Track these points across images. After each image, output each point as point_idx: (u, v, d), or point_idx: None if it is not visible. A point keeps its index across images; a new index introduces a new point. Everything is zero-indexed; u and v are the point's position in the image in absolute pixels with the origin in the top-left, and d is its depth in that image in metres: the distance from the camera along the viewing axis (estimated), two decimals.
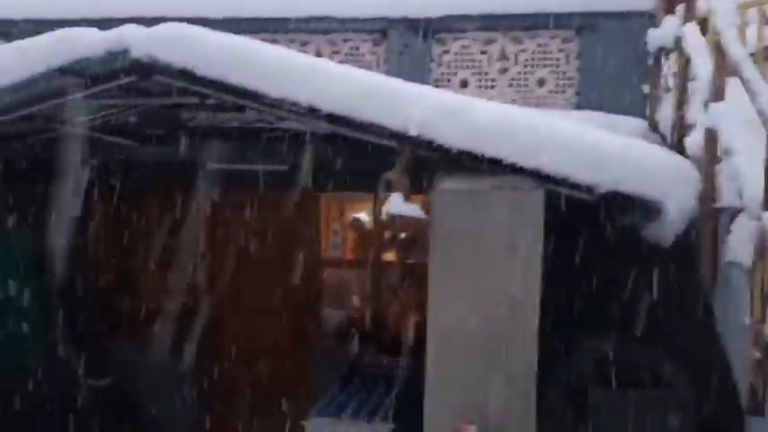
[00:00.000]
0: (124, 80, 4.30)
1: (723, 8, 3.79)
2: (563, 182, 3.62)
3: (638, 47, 5.23)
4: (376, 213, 6.72)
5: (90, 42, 3.94)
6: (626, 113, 5.10)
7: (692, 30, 4.31)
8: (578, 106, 5.43)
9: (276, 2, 5.77)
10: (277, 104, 3.85)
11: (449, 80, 5.60)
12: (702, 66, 3.85)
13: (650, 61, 5.20)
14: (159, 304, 7.15)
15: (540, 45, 5.54)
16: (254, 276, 7.05)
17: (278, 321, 6.78)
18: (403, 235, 6.17)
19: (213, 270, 7.21)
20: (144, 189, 6.45)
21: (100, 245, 6.96)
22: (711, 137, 3.51)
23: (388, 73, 5.34)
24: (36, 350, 5.96)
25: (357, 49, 5.71)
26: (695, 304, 4.08)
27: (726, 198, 3.43)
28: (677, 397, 4.75)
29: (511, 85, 5.55)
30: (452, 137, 3.63)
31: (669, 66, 5.12)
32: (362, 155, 4.34)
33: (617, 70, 5.29)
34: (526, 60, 5.55)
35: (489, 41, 5.57)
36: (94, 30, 4.00)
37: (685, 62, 4.30)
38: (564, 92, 5.51)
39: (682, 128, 4.28)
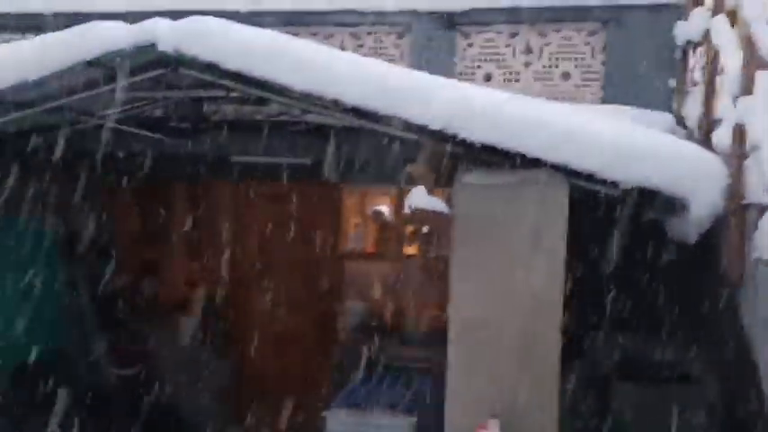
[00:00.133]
0: (151, 73, 4.34)
1: (753, 0, 3.73)
2: (588, 177, 3.59)
3: (665, 40, 5.17)
4: (399, 207, 6.72)
5: (117, 36, 3.98)
6: (652, 107, 5.05)
7: (720, 22, 4.25)
8: (604, 100, 5.38)
9: None
10: (302, 98, 3.87)
11: (473, 73, 5.58)
12: (731, 59, 3.79)
13: (677, 55, 5.14)
14: (184, 294, 7.24)
15: (565, 38, 5.49)
16: (277, 268, 7.10)
17: (300, 313, 6.83)
18: (425, 228, 6.17)
19: (236, 261, 7.28)
20: (169, 181, 6.52)
21: (126, 236, 7.05)
22: (740, 132, 3.46)
23: (411, 66, 5.32)
24: (61, 338, 6.06)
25: (381, 42, 5.70)
26: (721, 301, 4.03)
27: (753, 194, 3.38)
28: (702, 394, 4.70)
29: (535, 78, 5.51)
30: (476, 131, 3.62)
31: (697, 59, 5.05)
32: (386, 148, 4.35)
33: (643, 64, 5.23)
34: (551, 54, 5.50)
35: (514, 34, 5.53)
36: (122, 23, 4.04)
37: (714, 55, 4.24)
38: (589, 86, 5.46)
39: (709, 122, 4.22)
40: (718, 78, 4.20)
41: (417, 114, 3.68)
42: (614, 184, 3.59)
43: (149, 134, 5.53)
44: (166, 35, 3.93)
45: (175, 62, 4.11)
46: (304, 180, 5.96)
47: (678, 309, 4.50)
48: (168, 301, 7.19)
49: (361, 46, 5.72)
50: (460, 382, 3.85)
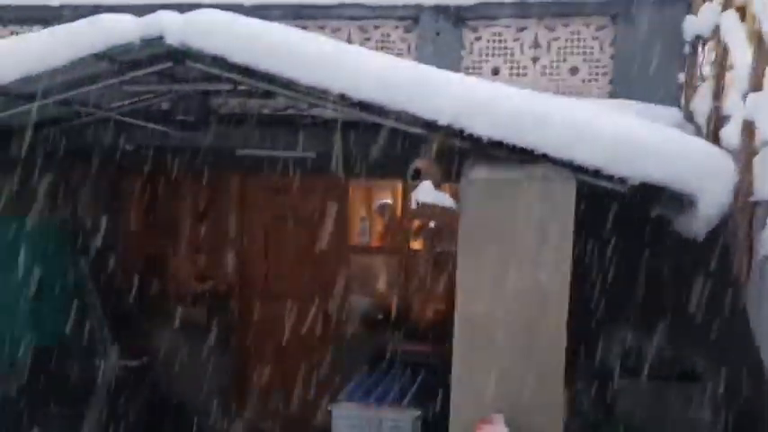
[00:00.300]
0: (157, 66, 4.35)
1: None
2: (595, 173, 3.57)
3: (674, 35, 5.14)
4: (405, 201, 6.72)
5: (125, 29, 3.98)
6: (661, 103, 5.02)
7: (730, 18, 4.22)
8: (612, 95, 5.35)
9: None
10: (308, 92, 3.86)
11: (480, 68, 5.55)
12: (741, 55, 3.76)
13: (687, 50, 5.10)
14: (190, 287, 7.26)
15: (573, 33, 5.46)
16: (283, 262, 7.12)
17: (306, 306, 6.84)
18: (432, 223, 6.16)
19: (242, 254, 7.29)
20: (175, 174, 6.52)
21: (132, 229, 7.07)
22: (749, 128, 3.45)
23: (419, 60, 5.30)
24: (70, 330, 6.09)
25: (388, 35, 5.68)
26: (728, 298, 4.02)
27: (762, 191, 3.36)
28: (706, 391, 4.69)
29: (543, 73, 5.48)
30: (484, 126, 3.60)
31: (706, 54, 5.02)
32: (393, 142, 4.34)
33: (652, 58, 5.19)
34: (559, 48, 5.47)
35: (522, 29, 5.50)
36: (129, 16, 4.04)
37: (723, 51, 4.21)
38: (597, 80, 5.43)
39: (718, 118, 4.20)
40: (727, 74, 4.18)
41: (424, 109, 3.67)
42: (621, 180, 3.57)
43: (156, 127, 5.53)
44: (173, 28, 3.93)
45: (182, 55, 4.10)
46: (310, 174, 5.96)
47: (685, 306, 4.49)
48: (174, 295, 7.21)
49: (368, 39, 5.70)
50: (465, 377, 3.85)
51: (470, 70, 5.53)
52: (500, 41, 5.53)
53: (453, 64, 5.35)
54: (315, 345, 6.77)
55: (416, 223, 6.82)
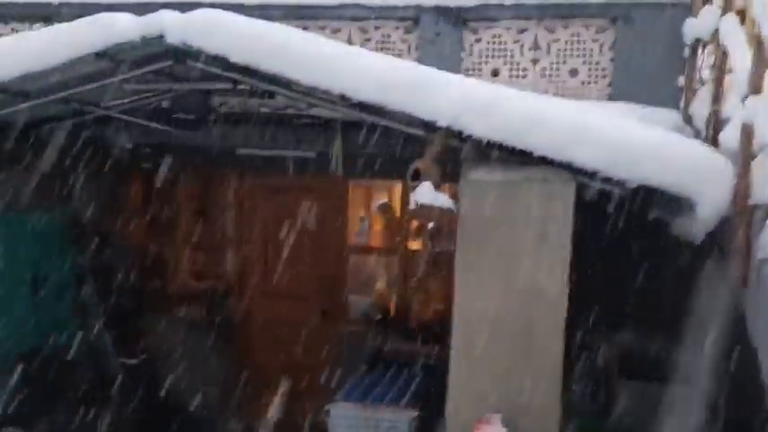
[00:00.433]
0: (158, 65, 4.36)
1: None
2: (594, 175, 3.58)
3: (673, 37, 5.14)
4: (405, 202, 6.73)
5: (125, 27, 3.99)
6: (660, 106, 5.02)
7: (730, 21, 4.22)
8: (611, 97, 5.36)
9: None
10: (309, 92, 3.87)
11: (480, 69, 5.56)
12: (740, 59, 3.77)
13: (686, 53, 5.11)
14: (190, 285, 7.27)
15: (573, 35, 5.46)
16: (282, 261, 7.12)
17: (304, 306, 6.85)
18: (431, 224, 6.17)
19: (241, 253, 7.30)
20: (175, 173, 6.54)
21: (132, 226, 7.08)
22: (748, 132, 3.45)
23: (419, 61, 5.31)
24: (69, 328, 6.09)
25: (388, 36, 5.69)
26: (725, 302, 4.03)
27: (760, 195, 3.37)
28: (703, 394, 4.70)
29: (543, 75, 5.49)
30: (483, 127, 3.62)
31: (705, 58, 5.03)
32: (392, 143, 4.35)
33: (652, 61, 5.20)
34: (559, 50, 5.48)
35: (522, 30, 5.51)
36: (130, 15, 4.04)
37: (722, 54, 4.21)
38: (597, 83, 5.44)
39: (717, 122, 4.21)
40: (726, 77, 4.18)
41: (424, 110, 3.68)
42: (620, 183, 3.58)
43: (156, 125, 5.54)
44: (174, 27, 3.94)
45: (183, 54, 4.12)
46: (309, 173, 5.97)
47: (682, 308, 4.50)
48: (174, 293, 7.22)
49: (368, 40, 5.70)
50: (463, 377, 3.86)
51: (470, 72, 5.53)
52: (500, 43, 5.54)
53: (453, 65, 5.35)
54: (313, 344, 6.77)
55: (415, 224, 6.83)
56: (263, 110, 5.52)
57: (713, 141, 4.12)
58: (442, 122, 3.64)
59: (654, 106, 5.01)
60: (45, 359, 5.68)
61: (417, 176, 3.84)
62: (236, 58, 3.90)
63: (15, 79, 4.22)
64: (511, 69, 5.54)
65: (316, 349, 6.72)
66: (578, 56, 5.47)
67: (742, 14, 4.19)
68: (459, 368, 3.87)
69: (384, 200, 7.20)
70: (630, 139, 3.67)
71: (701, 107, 4.69)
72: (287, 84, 3.91)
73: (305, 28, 5.23)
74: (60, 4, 5.95)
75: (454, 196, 3.95)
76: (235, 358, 7.11)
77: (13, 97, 4.57)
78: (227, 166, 6.54)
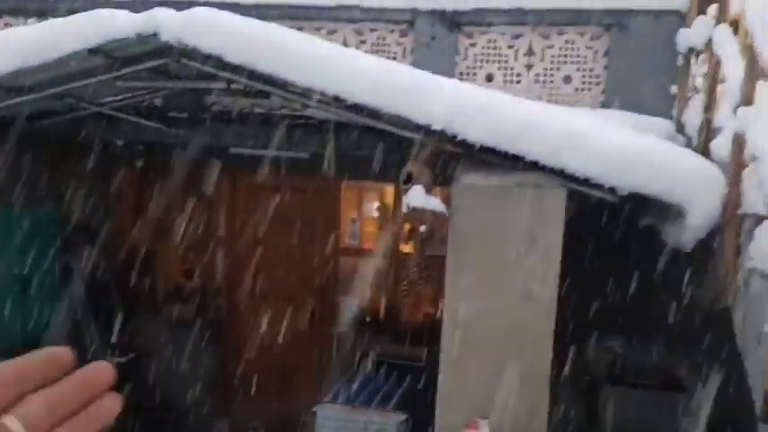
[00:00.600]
0: (152, 63, 4.34)
1: (756, 10, 3.73)
2: (585, 182, 3.60)
3: (667, 46, 5.17)
4: (397, 204, 6.73)
5: (121, 24, 3.97)
6: (653, 113, 5.05)
7: (723, 31, 4.26)
8: (605, 105, 5.38)
9: None
10: (303, 93, 3.87)
11: (474, 74, 5.57)
12: (733, 68, 3.80)
13: (679, 61, 5.14)
14: (179, 284, 7.24)
15: (567, 41, 5.48)
16: (273, 261, 7.10)
17: (294, 306, 6.83)
18: (423, 227, 6.18)
19: (231, 253, 7.28)
20: (167, 171, 6.50)
21: (121, 224, 7.05)
22: (739, 141, 3.47)
23: (413, 64, 5.32)
24: (57, 326, 6.06)
25: (384, 39, 5.69)
26: (714, 309, 4.05)
27: (751, 204, 3.40)
28: (691, 401, 4.72)
29: (537, 81, 5.50)
30: (476, 132, 3.62)
31: (699, 67, 5.06)
32: (385, 145, 4.35)
33: (645, 69, 5.23)
34: (553, 56, 5.50)
35: (516, 36, 5.53)
36: (125, 12, 4.03)
37: (715, 64, 4.24)
38: (590, 90, 5.46)
39: (709, 130, 4.23)
40: (719, 87, 4.21)
41: (418, 114, 3.68)
42: (611, 190, 3.60)
43: (149, 123, 5.52)
44: (169, 25, 3.93)
45: (178, 53, 4.10)
46: (301, 174, 5.96)
47: (672, 316, 4.52)
48: (163, 291, 7.19)
49: (363, 42, 5.71)
50: (452, 381, 3.87)
51: (465, 76, 5.54)
52: (495, 48, 5.55)
53: (448, 69, 5.36)
54: (302, 345, 6.76)
55: (407, 227, 6.83)
56: (257, 110, 5.51)
57: (705, 150, 4.14)
58: (436, 126, 3.65)
59: (647, 114, 5.04)
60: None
61: (410, 180, 3.85)
62: (231, 57, 3.89)
63: (8, 74, 4.20)
64: (505, 74, 5.55)
65: (305, 350, 6.71)
66: (572, 62, 5.49)
67: (735, 25, 4.22)
68: (449, 372, 3.87)
69: (373, 201, 7.20)
70: (622, 147, 3.68)
71: (693, 116, 4.72)
72: (282, 84, 3.91)
73: (300, 29, 5.22)
74: (55, 0, 5.93)
75: (446, 200, 3.95)
76: (224, 358, 7.09)
77: (5, 93, 4.54)
78: (220, 165, 6.52)
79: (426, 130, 3.70)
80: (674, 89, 5.18)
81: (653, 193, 3.59)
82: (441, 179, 3.97)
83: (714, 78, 4.27)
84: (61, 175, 5.95)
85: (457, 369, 3.86)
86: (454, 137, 3.65)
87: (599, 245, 4.54)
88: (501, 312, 3.78)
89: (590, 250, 4.54)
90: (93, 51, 4.06)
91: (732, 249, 3.45)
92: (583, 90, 5.47)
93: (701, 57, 4.95)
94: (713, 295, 3.95)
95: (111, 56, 4.21)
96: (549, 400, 3.83)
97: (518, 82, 5.52)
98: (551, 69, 5.50)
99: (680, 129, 4.93)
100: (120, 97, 5.24)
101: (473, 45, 5.58)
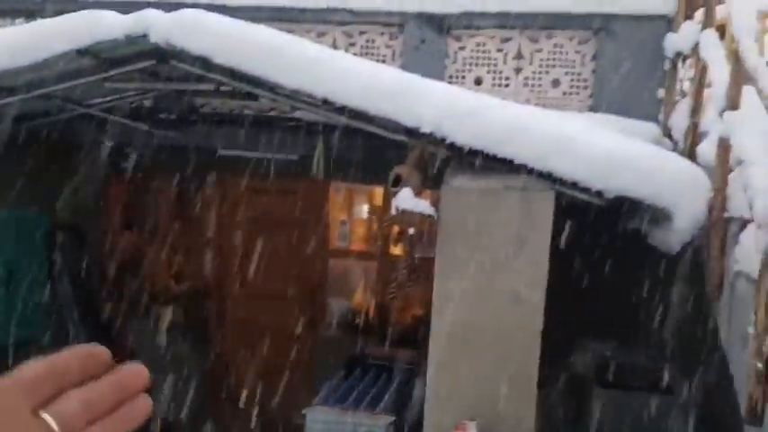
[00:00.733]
0: (141, 64, 4.33)
1: (742, 15, 3.77)
2: (573, 185, 3.62)
3: (655, 51, 5.21)
4: (386, 206, 6.73)
5: (109, 25, 3.96)
6: (640, 117, 5.09)
7: (710, 36, 4.29)
8: (592, 108, 5.41)
9: None
10: (292, 95, 3.87)
11: (463, 77, 5.59)
12: (719, 73, 3.83)
13: (667, 66, 5.18)
14: (167, 286, 7.21)
15: (556, 45, 5.51)
16: (261, 263, 7.09)
17: (284, 308, 6.82)
18: (411, 230, 6.19)
19: (221, 255, 7.26)
20: (155, 172, 6.48)
21: (110, 226, 7.02)
22: (725, 146, 3.50)
23: (403, 67, 5.32)
24: (44, 327, 6.02)
25: (373, 42, 5.70)
26: (700, 312, 4.08)
27: (736, 208, 3.43)
28: (678, 403, 4.76)
29: (525, 84, 5.53)
30: (465, 135, 3.64)
31: (686, 71, 5.10)
32: (374, 148, 4.36)
33: (633, 74, 5.26)
34: (541, 60, 5.52)
35: (505, 40, 5.55)
36: (114, 13, 4.02)
37: (702, 69, 4.28)
38: (578, 93, 5.49)
39: (695, 135, 4.27)
40: (705, 91, 4.24)
41: (407, 117, 3.70)
42: (599, 193, 3.62)
43: (137, 125, 5.50)
44: (158, 27, 3.92)
45: (167, 54, 4.10)
46: (291, 176, 5.96)
47: (659, 318, 4.55)
48: (152, 294, 7.16)
49: (353, 45, 5.71)
50: (441, 383, 3.87)
51: (454, 79, 5.56)
52: (484, 51, 5.57)
53: (437, 72, 5.37)
54: (291, 347, 6.75)
55: (396, 229, 6.84)
56: (246, 111, 5.51)
57: (691, 154, 4.18)
58: (425, 129, 3.66)
59: (634, 118, 5.07)
60: (17, 358, 5.59)
61: (398, 182, 3.86)
62: (220, 59, 3.89)
63: None
64: (494, 78, 5.57)
65: (294, 352, 6.70)
66: (561, 66, 5.52)
67: (722, 30, 4.26)
68: (437, 374, 3.88)
69: (367, 204, 7.21)
70: (610, 151, 3.71)
71: (680, 120, 4.76)
72: (271, 86, 3.91)
73: (290, 31, 5.22)
74: (44, 0, 5.90)
75: (435, 203, 3.97)
76: (212, 360, 7.07)
77: None
78: (209, 166, 6.51)
79: (415, 133, 3.71)
80: (661, 93, 5.22)
81: (640, 196, 3.62)
82: (429, 182, 3.98)
83: (700, 83, 4.31)
84: (49, 177, 5.91)
85: (446, 371, 3.87)
86: (443, 140, 3.67)
87: (587, 248, 4.57)
88: (489, 314, 3.79)
89: (578, 253, 4.56)
90: (81, 52, 4.05)
91: (718, 252, 3.48)
92: (571, 94, 5.50)
93: (688, 61, 4.99)
94: (699, 298, 3.98)
95: (100, 57, 4.20)
96: (537, 402, 3.85)
97: (507, 85, 5.55)
98: (540, 73, 5.52)
99: (667, 133, 4.97)
100: (108, 98, 5.23)
101: (462, 48, 5.60)
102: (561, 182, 3.64)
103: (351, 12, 5.60)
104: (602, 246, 4.47)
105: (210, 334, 7.12)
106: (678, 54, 5.04)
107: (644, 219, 3.82)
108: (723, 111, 3.55)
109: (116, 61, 4.31)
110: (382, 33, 5.69)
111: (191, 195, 7.29)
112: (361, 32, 5.69)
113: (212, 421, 6.82)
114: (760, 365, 2.77)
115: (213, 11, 4.05)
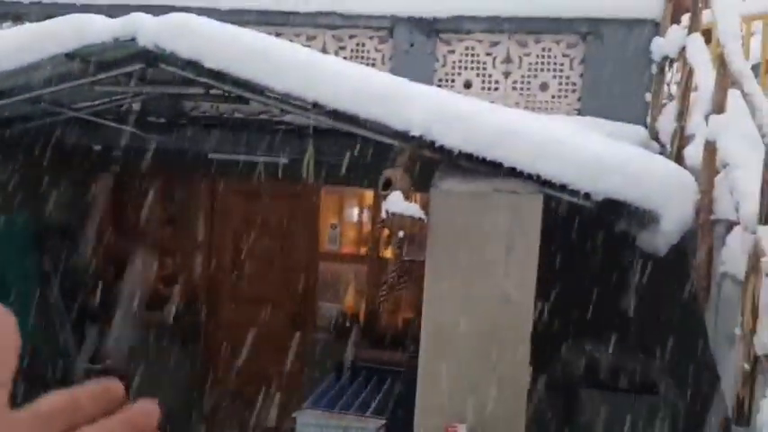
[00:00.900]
0: (130, 68, 4.32)
1: (727, 19, 3.80)
2: (561, 188, 3.65)
3: (642, 55, 5.25)
4: (376, 209, 6.74)
5: (98, 29, 3.96)
6: (628, 121, 5.12)
7: (695, 40, 4.33)
8: (580, 112, 5.44)
9: None
10: (282, 99, 3.88)
11: (453, 81, 5.61)
12: (705, 77, 3.87)
13: (654, 70, 5.22)
14: (157, 290, 7.19)
15: (544, 49, 5.54)
16: (252, 266, 7.08)
17: (274, 312, 6.81)
18: (401, 233, 6.20)
19: (210, 258, 7.24)
20: (144, 176, 6.47)
21: (99, 229, 6.99)
22: (711, 149, 3.54)
23: (392, 71, 5.34)
24: (33, 331, 5.98)
25: (363, 45, 5.71)
26: (687, 313, 4.11)
27: (722, 210, 3.46)
28: (665, 403, 4.79)
29: (514, 88, 5.56)
30: (454, 139, 3.66)
31: (673, 75, 5.14)
32: (365, 151, 4.37)
33: (620, 77, 5.30)
34: (530, 64, 5.55)
35: (494, 43, 5.58)
36: (102, 16, 4.01)
37: (688, 72, 4.32)
38: (566, 97, 5.53)
39: (682, 138, 4.30)
40: (691, 95, 4.28)
41: (397, 120, 3.71)
42: (587, 196, 3.65)
43: (126, 128, 5.49)
44: (147, 30, 3.92)
45: (155, 58, 4.09)
46: (281, 179, 5.96)
47: (647, 320, 4.59)
48: (141, 297, 7.13)
49: (342, 48, 5.72)
50: (431, 385, 3.88)
51: (443, 83, 5.58)
52: (473, 55, 5.59)
53: (426, 76, 5.39)
54: (282, 351, 6.74)
55: (386, 232, 6.84)
56: (237, 115, 5.51)
57: (678, 157, 4.21)
58: (415, 132, 3.68)
59: (622, 121, 5.11)
60: None
61: (388, 185, 3.87)
62: (209, 62, 3.89)
63: None
64: (483, 81, 5.59)
65: (284, 355, 6.69)
66: (549, 70, 5.55)
67: (707, 34, 4.30)
68: (427, 376, 3.89)
69: (357, 208, 7.21)
70: (598, 154, 3.74)
71: (666, 123, 4.80)
72: (261, 90, 3.92)
73: (280, 35, 5.23)
74: (31, 4, 5.87)
75: (425, 206, 3.98)
76: (202, 364, 7.04)
77: None
78: (198, 170, 6.50)
79: (405, 137, 3.73)
80: (648, 97, 5.26)
81: (627, 199, 3.65)
82: (419, 185, 4.00)
83: (687, 86, 4.34)
84: (38, 180, 5.89)
85: (435, 373, 3.88)
86: (432, 143, 3.69)
87: (575, 250, 4.59)
88: (479, 316, 3.81)
89: (566, 255, 4.59)
90: (69, 56, 4.04)
91: (705, 255, 3.51)
92: (559, 97, 5.53)
93: (675, 65, 5.03)
94: (687, 299, 4.01)
95: (88, 60, 4.19)
96: (527, 404, 3.87)
97: (496, 89, 5.57)
98: (528, 77, 5.55)
99: (654, 136, 5.00)
100: (97, 102, 5.21)
101: (451, 52, 5.62)
102: (550, 185, 3.66)
103: (341, 15, 5.60)
104: (590, 248, 4.50)
105: (200, 337, 7.10)
106: (665, 58, 5.08)
107: (632, 221, 3.85)
108: (709, 114, 3.59)
109: (104, 65, 4.30)
110: (372, 37, 5.70)
111: (180, 198, 7.28)
112: (351, 36, 5.70)
113: (203, 424, 6.79)
114: (747, 366, 2.79)
115: (203, 14, 4.05)
